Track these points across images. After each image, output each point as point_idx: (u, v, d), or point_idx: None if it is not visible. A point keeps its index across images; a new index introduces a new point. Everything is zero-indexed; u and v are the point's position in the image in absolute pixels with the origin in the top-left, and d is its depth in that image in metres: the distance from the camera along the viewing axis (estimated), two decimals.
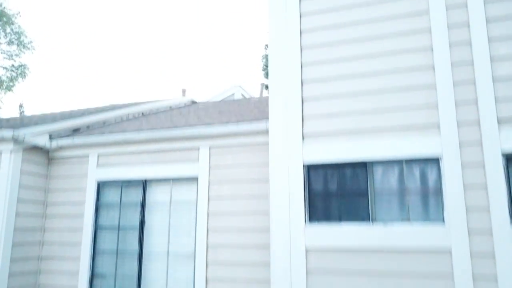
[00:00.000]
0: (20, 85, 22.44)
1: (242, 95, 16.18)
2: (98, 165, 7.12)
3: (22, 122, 10.31)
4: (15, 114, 25.94)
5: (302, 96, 5.32)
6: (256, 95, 19.20)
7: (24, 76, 21.07)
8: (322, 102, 5.22)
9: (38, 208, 7.19)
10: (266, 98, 11.99)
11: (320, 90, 5.26)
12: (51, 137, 7.40)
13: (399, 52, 5.02)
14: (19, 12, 20.45)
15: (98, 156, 7.15)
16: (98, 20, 55.76)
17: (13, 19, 20.38)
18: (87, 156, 7.22)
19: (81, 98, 45.95)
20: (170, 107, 11.73)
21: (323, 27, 5.42)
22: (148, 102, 10.84)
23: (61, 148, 7.33)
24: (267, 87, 24.16)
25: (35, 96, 39.55)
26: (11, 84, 20.78)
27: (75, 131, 8.05)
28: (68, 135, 7.72)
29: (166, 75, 53.28)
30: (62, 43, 48.27)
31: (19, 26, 20.66)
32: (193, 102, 13.20)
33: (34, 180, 7.13)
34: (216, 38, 57.66)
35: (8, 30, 20.26)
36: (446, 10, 4.92)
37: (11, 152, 6.70)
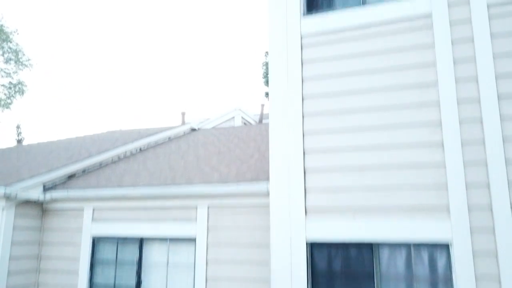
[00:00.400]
0: (17, 102, 22.24)
1: (242, 118, 16.00)
2: (93, 219, 6.90)
3: (18, 155, 10.11)
4: (13, 134, 25.72)
5: (304, 167, 5.09)
6: (257, 111, 19.02)
7: (22, 93, 20.87)
8: (325, 175, 4.98)
9: (32, 263, 6.96)
10: (267, 125, 11.77)
11: (324, 161, 5.03)
12: (45, 188, 7.18)
13: (406, 126, 4.79)
14: (16, 30, 20.26)
15: (93, 210, 6.92)
16: (97, 38, 55.53)
17: (11, 36, 20.18)
18: (82, 210, 6.99)
19: (78, 115, 45.75)
20: (169, 138, 11.53)
21: (324, 94, 5.20)
22: (146, 135, 10.60)
23: (55, 200, 7.11)
24: (267, 94, 23.95)
25: (33, 113, 39.39)
26: (8, 101, 20.57)
27: (70, 177, 7.83)
28: (63, 183, 7.51)
29: (165, 92, 53.00)
30: (60, 61, 48.10)
31: (17, 44, 20.47)
32: (193, 130, 13.02)
33: (27, 234, 6.91)
34: (213, 53, 57.41)
35: (6, 47, 20.05)
36: (456, 83, 4.70)
37: (3, 209, 6.47)
